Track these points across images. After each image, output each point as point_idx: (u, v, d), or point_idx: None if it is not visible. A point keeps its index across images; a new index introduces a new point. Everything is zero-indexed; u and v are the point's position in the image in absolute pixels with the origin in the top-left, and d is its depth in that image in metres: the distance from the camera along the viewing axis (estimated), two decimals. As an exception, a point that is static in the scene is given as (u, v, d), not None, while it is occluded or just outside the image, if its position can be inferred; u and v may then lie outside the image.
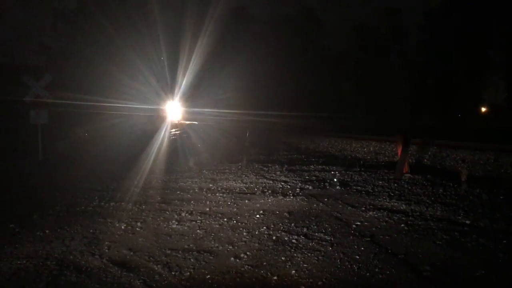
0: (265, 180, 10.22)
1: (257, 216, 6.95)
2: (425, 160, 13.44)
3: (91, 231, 6.13)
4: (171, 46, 25.51)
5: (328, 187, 9.35)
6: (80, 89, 22.08)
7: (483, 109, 34.11)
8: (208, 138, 20.09)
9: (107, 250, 5.37)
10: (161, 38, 25.16)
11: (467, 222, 6.50)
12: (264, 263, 4.92)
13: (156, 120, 22.98)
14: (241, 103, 27.34)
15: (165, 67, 24.97)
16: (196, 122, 23.69)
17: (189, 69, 23.99)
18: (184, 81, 24.10)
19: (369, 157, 15.18)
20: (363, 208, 7.38)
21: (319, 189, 9.14)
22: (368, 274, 4.61)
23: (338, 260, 4.99)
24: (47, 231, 6.07)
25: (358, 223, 6.47)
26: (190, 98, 25.82)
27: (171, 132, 20.36)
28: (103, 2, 25.61)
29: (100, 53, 24.15)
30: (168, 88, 24.49)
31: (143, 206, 7.62)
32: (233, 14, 30.21)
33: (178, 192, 8.94)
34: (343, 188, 9.19)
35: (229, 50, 30.75)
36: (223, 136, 21.73)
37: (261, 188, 9.28)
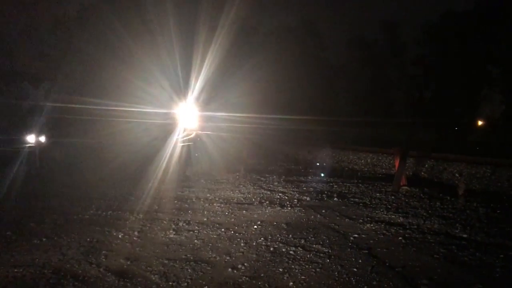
0: (262, 191, 10.22)
1: (255, 226, 6.94)
2: (422, 173, 13.46)
3: (88, 239, 6.11)
4: (184, 50, 25.38)
5: (325, 199, 9.35)
6: (88, 93, 21.75)
7: (480, 123, 34.19)
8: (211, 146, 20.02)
9: (104, 259, 5.35)
10: (174, 41, 25.02)
11: (465, 236, 6.51)
12: (262, 275, 4.91)
13: (168, 128, 22.67)
14: (250, 107, 27.30)
15: (178, 70, 24.79)
16: (208, 132, 23.53)
17: (202, 73, 23.78)
18: (197, 85, 23.88)
19: (366, 169, 15.20)
20: (361, 220, 7.38)
21: (316, 201, 9.14)
22: (366, 287, 4.61)
23: (336, 273, 4.98)
24: (44, 239, 6.06)
25: (356, 236, 6.47)
26: (203, 102, 25.55)
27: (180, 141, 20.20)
28: (115, 2, 25.37)
29: (110, 55, 23.79)
30: (181, 92, 24.29)
31: (141, 215, 7.60)
32: (239, 23, 30.20)
33: (176, 201, 8.92)
34: (340, 200, 9.19)
35: (239, 57, 30.85)
36: (224, 143, 21.72)
37: (258, 198, 9.27)
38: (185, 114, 24.26)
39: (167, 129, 22.38)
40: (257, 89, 30.50)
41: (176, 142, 19.10)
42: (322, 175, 13.11)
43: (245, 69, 30.22)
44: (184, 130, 22.11)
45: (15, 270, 4.93)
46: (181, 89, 24.47)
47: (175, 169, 13.42)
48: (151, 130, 23.49)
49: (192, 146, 19.20)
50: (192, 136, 21.51)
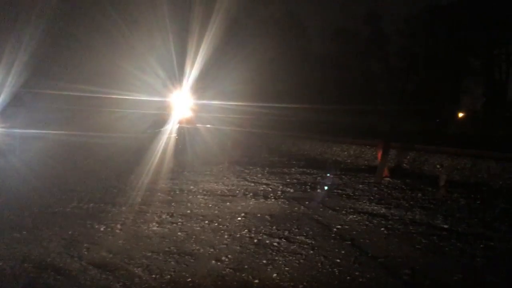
0: (246, 183, 10.22)
1: (239, 218, 6.94)
2: (404, 165, 13.60)
3: (69, 232, 6.03)
4: (179, 37, 24.95)
5: (309, 190, 9.40)
6: (75, 81, 21.11)
7: (461, 115, 34.65)
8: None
9: (86, 252, 5.29)
10: (169, 28, 24.58)
11: (446, 226, 6.60)
12: (246, 266, 4.91)
13: (161, 119, 22.08)
14: (242, 96, 27.14)
15: (173, 58, 24.33)
16: (199, 124, 23.16)
17: (197, 62, 23.36)
18: (191, 74, 23.42)
19: (349, 161, 15.29)
20: (344, 212, 7.43)
21: (300, 192, 9.18)
22: (348, 277, 4.64)
23: (319, 264, 5.01)
24: (24, 233, 5.96)
25: (339, 227, 6.51)
26: (197, 90, 25.11)
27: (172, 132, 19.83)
28: None
29: (102, 39, 23.10)
30: (176, 81, 23.76)
31: (123, 208, 7.53)
32: (232, 13, 29.85)
33: (159, 194, 8.86)
34: (324, 191, 9.24)
35: (232, 46, 30.63)
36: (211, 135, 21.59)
37: (242, 190, 9.27)
38: (179, 103, 23.81)
39: (160, 120, 21.97)
40: (248, 78, 30.48)
41: (168, 133, 18.85)
42: (306, 167, 13.15)
43: (238, 59, 30.11)
44: (178, 121, 21.73)
45: (-5, 264, 4.85)
46: (176, 78, 24.06)
47: (162, 161, 13.32)
48: (143, 120, 23.06)
49: (180, 138, 19.00)
50: (182, 128, 21.20)
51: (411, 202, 8.23)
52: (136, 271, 4.73)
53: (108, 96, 21.19)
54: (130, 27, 24.50)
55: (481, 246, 5.70)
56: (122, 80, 22.59)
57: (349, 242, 5.78)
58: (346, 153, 16.58)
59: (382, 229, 6.41)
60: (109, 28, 24.22)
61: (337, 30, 41.93)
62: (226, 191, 9.20)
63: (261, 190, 9.31)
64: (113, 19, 24.00)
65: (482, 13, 29.93)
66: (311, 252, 5.40)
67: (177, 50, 24.78)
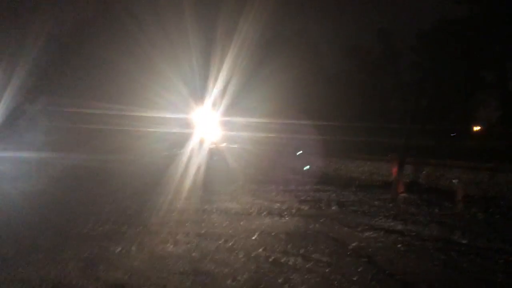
0: (261, 201, 10.19)
1: (254, 237, 6.91)
2: (420, 180, 13.44)
3: (85, 255, 6.06)
4: (202, 54, 24.96)
5: (324, 208, 9.33)
6: (93, 96, 20.94)
7: (477, 128, 34.25)
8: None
9: (102, 274, 5.31)
10: (191, 44, 24.60)
11: (464, 242, 6.49)
12: (261, 286, 4.87)
13: (183, 138, 21.65)
14: (264, 112, 27.10)
15: (196, 75, 24.27)
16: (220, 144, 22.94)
17: (219, 77, 23.24)
18: (214, 90, 23.27)
19: (364, 177, 15.18)
20: (360, 229, 7.36)
21: (315, 210, 9.12)
22: (366, 295, 4.59)
23: (336, 282, 4.95)
24: (40, 256, 6.01)
25: (355, 244, 6.44)
26: (219, 108, 24.99)
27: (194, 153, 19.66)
28: (130, 3, 24.87)
29: (121, 53, 22.90)
30: (199, 97, 23.59)
31: (139, 229, 7.56)
32: (257, 28, 29.91)
33: (173, 213, 8.88)
34: (339, 209, 9.18)
35: (257, 62, 30.64)
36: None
37: (257, 209, 9.25)
38: (201, 121, 23.49)
39: (181, 139, 21.65)
40: (268, 96, 30.61)
41: (189, 154, 18.69)
42: (320, 184, 13.08)
43: (258, 76, 30.23)
44: (200, 140, 21.37)
45: (12, 287, 4.88)
46: (198, 94, 23.92)
47: (178, 183, 13.35)
48: (162, 140, 22.84)
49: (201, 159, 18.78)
50: (204, 148, 20.91)
51: (428, 218, 8.12)
52: (152, 292, 4.74)
53: (126, 113, 21.02)
54: (151, 41, 24.54)
55: (501, 261, 5.59)
56: (141, 97, 22.44)
57: (366, 259, 5.71)
58: (360, 169, 16.47)
59: (399, 245, 6.33)
60: (128, 42, 24.25)
61: (350, 47, 42.07)
62: (240, 210, 9.19)
63: (276, 208, 9.28)
64: (133, 33, 24.05)
65: (494, 26, 29.81)
66: (327, 270, 5.34)
67: (199, 65, 24.73)
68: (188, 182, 13.26)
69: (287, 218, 8.30)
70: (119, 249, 6.32)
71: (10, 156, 17.44)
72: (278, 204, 9.71)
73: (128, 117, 21.43)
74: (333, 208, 9.29)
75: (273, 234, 7.11)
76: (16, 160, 16.94)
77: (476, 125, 35.45)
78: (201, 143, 21.25)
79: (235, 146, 23.34)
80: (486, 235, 6.82)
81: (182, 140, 21.35)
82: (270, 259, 5.77)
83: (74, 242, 6.73)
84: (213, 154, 20.78)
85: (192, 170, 15.53)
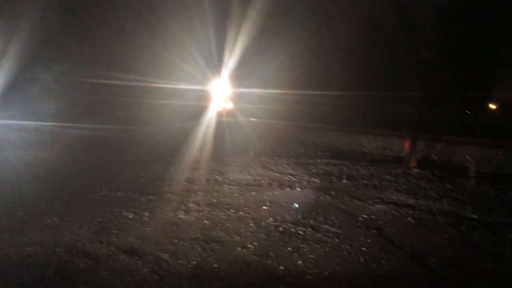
0: (272, 173, 10.22)
1: (264, 207, 6.97)
2: (433, 156, 13.37)
3: (99, 219, 6.17)
4: (218, 23, 24.80)
5: (335, 181, 9.34)
6: (111, 66, 20.89)
7: (493, 106, 33.84)
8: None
9: (115, 239, 5.41)
10: (208, 14, 24.40)
11: (475, 216, 6.48)
12: (271, 254, 4.94)
13: (200, 109, 21.60)
14: (279, 84, 27.04)
15: (212, 45, 24.14)
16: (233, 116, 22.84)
17: (235, 49, 23.09)
18: (230, 61, 23.17)
19: (376, 152, 15.11)
20: (370, 202, 7.37)
21: (326, 182, 9.13)
22: (374, 265, 4.63)
23: (345, 252, 5.00)
24: (55, 219, 6.13)
25: (365, 216, 6.47)
26: (236, 78, 24.94)
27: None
28: None
29: (137, 24, 22.72)
30: (215, 68, 23.51)
31: (150, 196, 7.65)
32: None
33: (185, 183, 8.96)
34: (350, 182, 9.17)
35: (271, 33, 30.44)
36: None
37: (268, 180, 9.28)
38: (217, 92, 23.38)
39: (197, 111, 21.63)
40: (283, 67, 30.41)
41: (204, 126, 18.70)
42: (331, 158, 13.06)
43: (273, 48, 29.98)
44: (216, 113, 21.34)
45: (28, 249, 5.00)
46: (214, 65, 23.81)
47: (190, 154, 13.41)
48: (178, 111, 22.84)
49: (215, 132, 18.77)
50: (220, 120, 20.83)
51: (440, 193, 8.10)
52: (164, 257, 4.82)
53: (142, 84, 20.98)
54: (167, 11, 24.32)
55: (511, 236, 5.58)
56: (157, 67, 22.37)
57: (375, 231, 5.74)
58: (373, 144, 16.41)
59: (409, 218, 6.34)
60: (145, 12, 24.05)
61: (366, 19, 41.40)
62: (251, 181, 9.23)
63: (287, 180, 9.31)
64: (149, 3, 23.79)
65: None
66: (337, 240, 5.39)
67: (215, 37, 24.53)
68: (199, 154, 13.34)
69: (298, 190, 8.33)
70: (132, 215, 6.42)
71: (25, 123, 17.66)
72: (289, 176, 9.73)
73: (143, 88, 21.42)
74: (344, 181, 9.29)
75: (283, 204, 7.16)
76: (30, 128, 17.16)
77: (492, 103, 34.98)
78: (214, 115, 21.25)
79: (249, 118, 23.29)
80: (497, 211, 6.80)
81: (197, 112, 21.33)
82: (280, 229, 5.83)
83: (88, 207, 6.85)
84: (226, 126, 20.78)
85: (203, 142, 15.60)
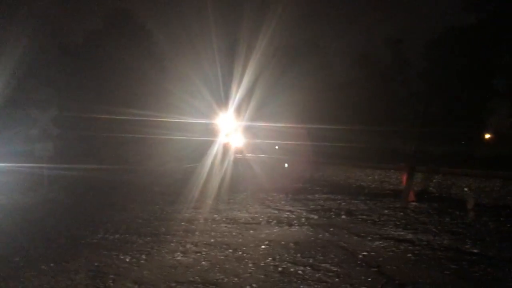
0: (270, 210, 10.18)
1: (263, 246, 6.90)
2: (431, 188, 13.37)
3: (95, 264, 6.09)
4: (225, 60, 25.18)
5: (333, 217, 9.29)
6: (116, 103, 20.87)
7: (487, 136, 34.03)
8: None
9: (112, 283, 5.32)
10: (216, 51, 24.79)
11: (475, 251, 6.42)
12: (270, 295, 4.86)
13: (205, 147, 21.54)
14: (282, 118, 27.33)
15: (220, 80, 24.44)
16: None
17: (242, 84, 23.41)
18: (237, 96, 23.42)
19: (374, 186, 15.12)
20: (369, 238, 7.32)
21: (324, 219, 9.08)
22: (376, 305, 4.55)
23: (345, 292, 4.93)
24: (51, 265, 6.05)
25: (365, 253, 6.40)
26: (241, 113, 25.12)
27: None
28: (153, 11, 25.33)
29: (149, 65, 22.93)
30: (222, 102, 23.71)
31: (148, 238, 7.58)
32: (277, 37, 30.09)
33: (183, 223, 8.90)
34: (348, 217, 9.13)
35: (277, 69, 30.90)
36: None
37: (266, 218, 9.23)
38: (225, 126, 23.46)
39: (204, 147, 21.57)
40: (286, 103, 30.80)
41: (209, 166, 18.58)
42: (329, 193, 13.04)
43: (279, 84, 30.45)
44: (223, 148, 21.31)
45: (23, 297, 4.92)
46: (222, 101, 24.00)
47: (185, 192, 13.37)
48: (182, 148, 22.79)
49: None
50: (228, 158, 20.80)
51: (439, 227, 8.05)
52: (161, 302, 4.74)
53: (142, 119, 20.99)
54: (174, 48, 24.77)
55: (513, 271, 5.53)
56: (163, 103, 22.45)
57: (376, 269, 5.67)
58: (370, 177, 16.41)
59: (409, 255, 6.28)
60: (150, 48, 24.36)
61: (359, 55, 42.08)
62: (249, 219, 9.18)
63: (285, 217, 9.25)
64: (155, 39, 24.10)
65: (504, 33, 29.66)
66: (337, 280, 5.31)
67: (223, 72, 24.86)
68: (196, 192, 13.30)
69: (296, 227, 8.27)
70: (129, 258, 6.34)
71: (22, 166, 17.63)
72: (287, 213, 9.69)
73: (147, 123, 21.44)
74: (343, 217, 9.24)
75: (282, 243, 7.09)
76: (28, 171, 17.12)
77: (487, 133, 35.19)
78: (220, 150, 21.26)
79: (249, 155, 23.36)
80: (497, 245, 6.74)
81: (202, 148, 21.25)
82: (279, 269, 5.75)
83: (84, 251, 6.77)
84: (230, 162, 20.75)
85: (200, 181, 15.58)
